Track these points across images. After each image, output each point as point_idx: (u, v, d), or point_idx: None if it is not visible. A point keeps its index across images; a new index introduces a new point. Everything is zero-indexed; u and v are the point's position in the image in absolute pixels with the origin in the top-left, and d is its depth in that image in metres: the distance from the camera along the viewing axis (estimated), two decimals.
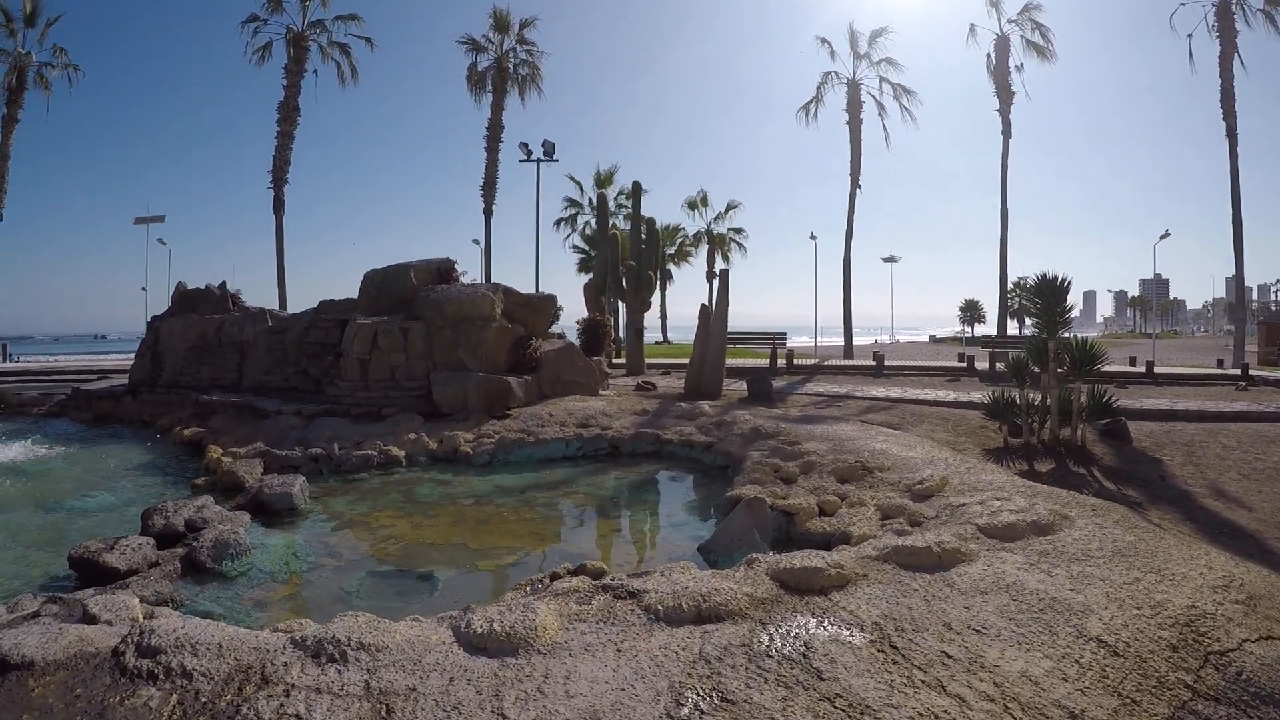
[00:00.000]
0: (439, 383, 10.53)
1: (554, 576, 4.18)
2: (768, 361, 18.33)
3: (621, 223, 46.17)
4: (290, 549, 5.37)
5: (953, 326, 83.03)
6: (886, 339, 72.86)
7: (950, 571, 3.40)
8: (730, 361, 20.31)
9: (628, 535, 6.11)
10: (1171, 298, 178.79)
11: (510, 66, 31.49)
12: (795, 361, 18.93)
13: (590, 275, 18.98)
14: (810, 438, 7.69)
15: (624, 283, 18.28)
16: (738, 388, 13.08)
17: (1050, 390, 8.82)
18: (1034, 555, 3.69)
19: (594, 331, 14.76)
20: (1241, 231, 26.20)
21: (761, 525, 4.60)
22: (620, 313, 25.28)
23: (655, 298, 47.20)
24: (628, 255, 19.15)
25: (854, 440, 7.46)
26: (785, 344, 19.59)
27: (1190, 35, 26.58)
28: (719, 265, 48.00)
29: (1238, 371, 19.61)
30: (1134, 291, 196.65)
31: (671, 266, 50.05)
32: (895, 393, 12.98)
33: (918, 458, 6.55)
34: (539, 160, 30.09)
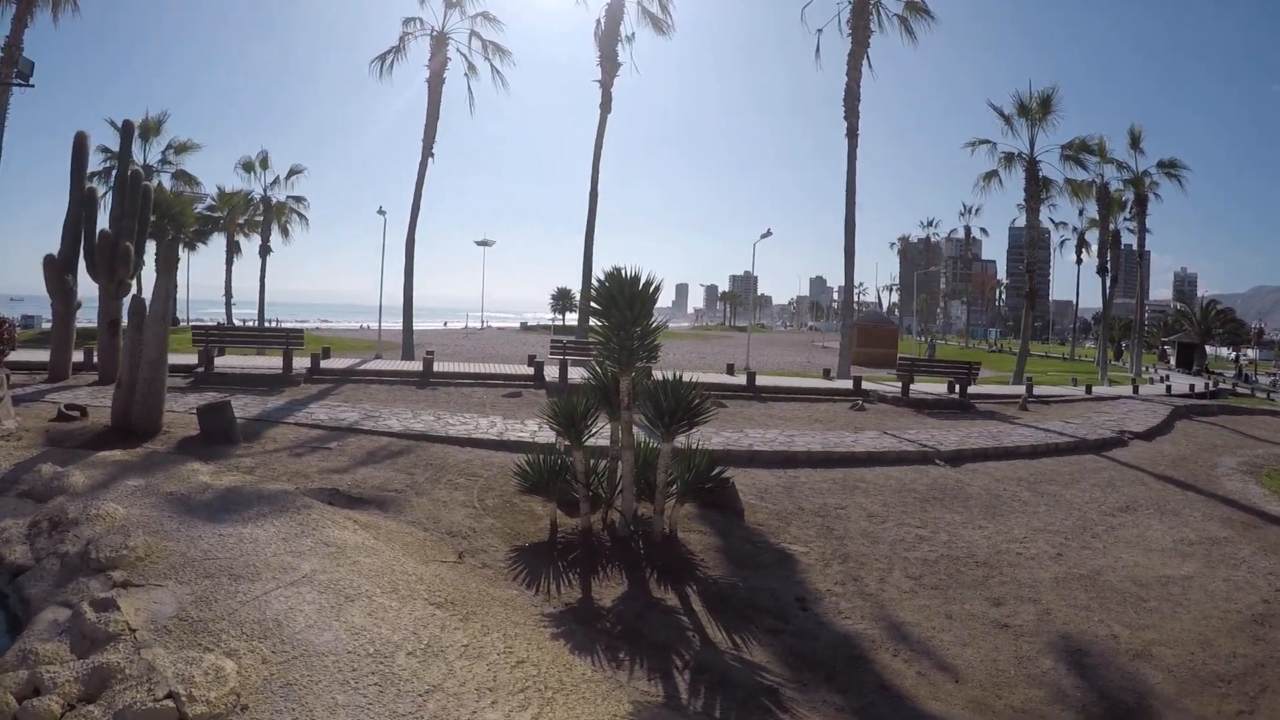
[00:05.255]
0: None
1: None
2: (281, 366, 13.89)
3: (168, 182, 37.43)
4: None
5: (547, 313, 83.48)
6: (477, 324, 72.56)
7: None
8: (240, 362, 15.84)
9: None
10: (760, 294, 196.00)
11: None
12: (324, 365, 15.10)
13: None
14: (173, 571, 4.05)
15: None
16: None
17: (623, 452, 6.01)
18: None
19: None
20: (854, 233, 24.12)
21: None
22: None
23: (218, 274, 40.39)
24: (191, 219, 13.33)
25: (254, 577, 4.05)
26: (302, 342, 15.01)
27: (821, 30, 25.06)
28: (275, 238, 42.94)
29: (849, 385, 17.80)
30: (724, 287, 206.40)
31: (241, 239, 43.98)
32: (424, 420, 10.02)
33: (347, 647, 3.40)
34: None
